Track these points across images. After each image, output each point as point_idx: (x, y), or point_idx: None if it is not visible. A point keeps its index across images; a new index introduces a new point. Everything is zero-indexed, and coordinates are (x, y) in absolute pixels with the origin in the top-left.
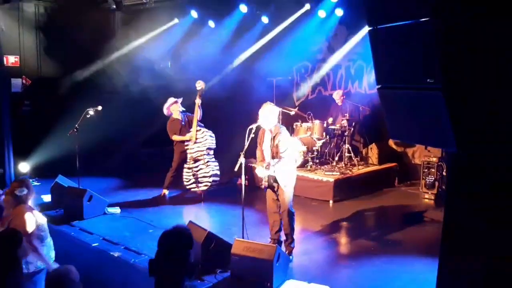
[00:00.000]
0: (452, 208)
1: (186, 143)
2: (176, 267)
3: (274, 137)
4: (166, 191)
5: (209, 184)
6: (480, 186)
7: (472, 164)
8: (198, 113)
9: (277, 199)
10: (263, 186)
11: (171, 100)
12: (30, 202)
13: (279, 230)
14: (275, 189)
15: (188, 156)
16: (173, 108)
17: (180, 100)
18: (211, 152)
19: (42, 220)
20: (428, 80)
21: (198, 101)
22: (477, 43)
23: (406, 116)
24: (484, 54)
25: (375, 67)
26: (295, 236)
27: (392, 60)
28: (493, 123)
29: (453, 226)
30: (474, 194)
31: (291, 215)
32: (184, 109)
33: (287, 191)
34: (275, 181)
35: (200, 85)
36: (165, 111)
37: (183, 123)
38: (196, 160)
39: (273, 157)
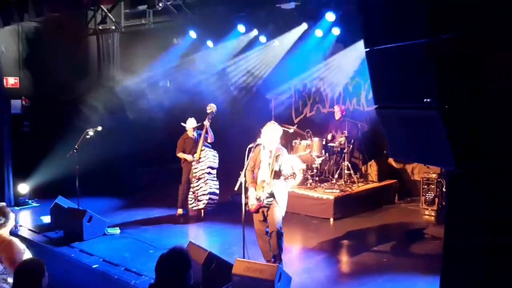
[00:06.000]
0: (453, 216)
1: (193, 163)
2: None
3: (276, 157)
4: (180, 211)
5: (206, 202)
6: (481, 194)
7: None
8: (210, 135)
9: (264, 220)
10: (252, 209)
11: (194, 123)
12: (4, 230)
13: (271, 249)
14: (266, 209)
15: (193, 176)
16: (191, 129)
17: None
18: (213, 171)
19: (22, 246)
20: (425, 100)
21: (206, 123)
22: (473, 62)
23: (405, 135)
24: (480, 73)
25: (373, 87)
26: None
27: (389, 80)
28: (490, 141)
29: (454, 235)
30: (475, 202)
31: (280, 236)
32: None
33: (280, 209)
34: (273, 196)
35: (210, 108)
36: (190, 125)
37: (194, 143)
38: (198, 179)
39: (274, 177)
